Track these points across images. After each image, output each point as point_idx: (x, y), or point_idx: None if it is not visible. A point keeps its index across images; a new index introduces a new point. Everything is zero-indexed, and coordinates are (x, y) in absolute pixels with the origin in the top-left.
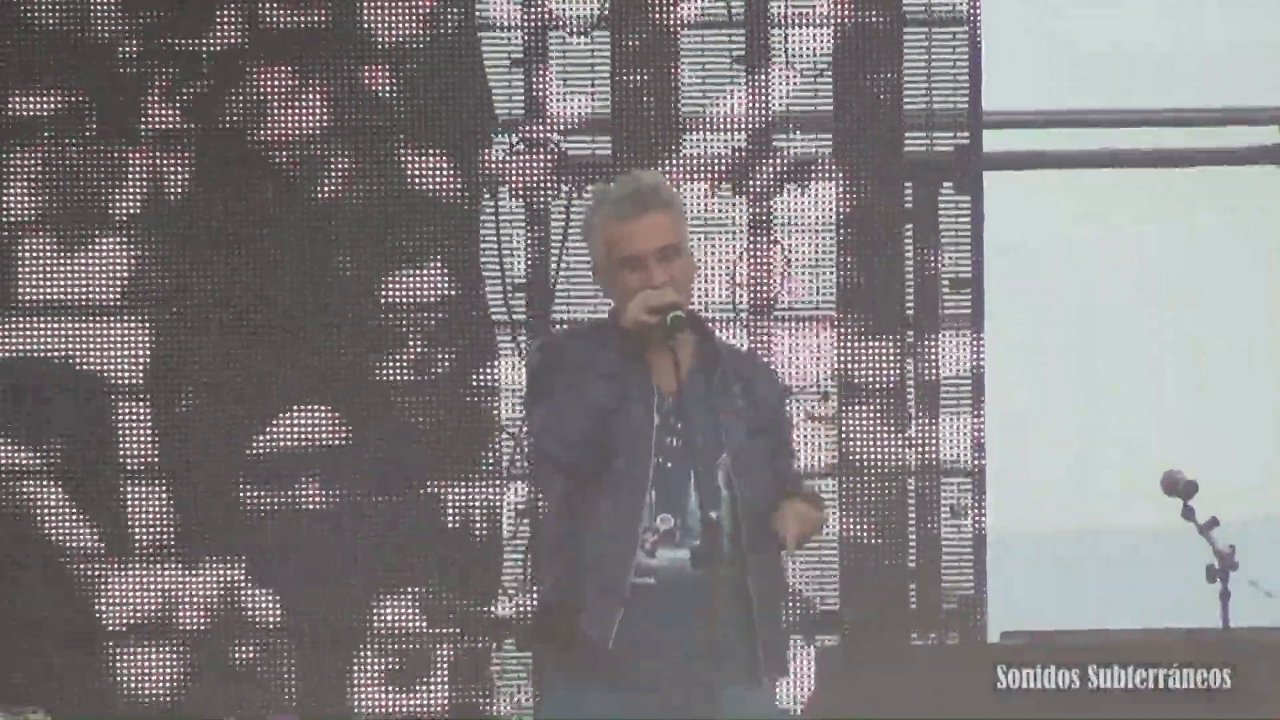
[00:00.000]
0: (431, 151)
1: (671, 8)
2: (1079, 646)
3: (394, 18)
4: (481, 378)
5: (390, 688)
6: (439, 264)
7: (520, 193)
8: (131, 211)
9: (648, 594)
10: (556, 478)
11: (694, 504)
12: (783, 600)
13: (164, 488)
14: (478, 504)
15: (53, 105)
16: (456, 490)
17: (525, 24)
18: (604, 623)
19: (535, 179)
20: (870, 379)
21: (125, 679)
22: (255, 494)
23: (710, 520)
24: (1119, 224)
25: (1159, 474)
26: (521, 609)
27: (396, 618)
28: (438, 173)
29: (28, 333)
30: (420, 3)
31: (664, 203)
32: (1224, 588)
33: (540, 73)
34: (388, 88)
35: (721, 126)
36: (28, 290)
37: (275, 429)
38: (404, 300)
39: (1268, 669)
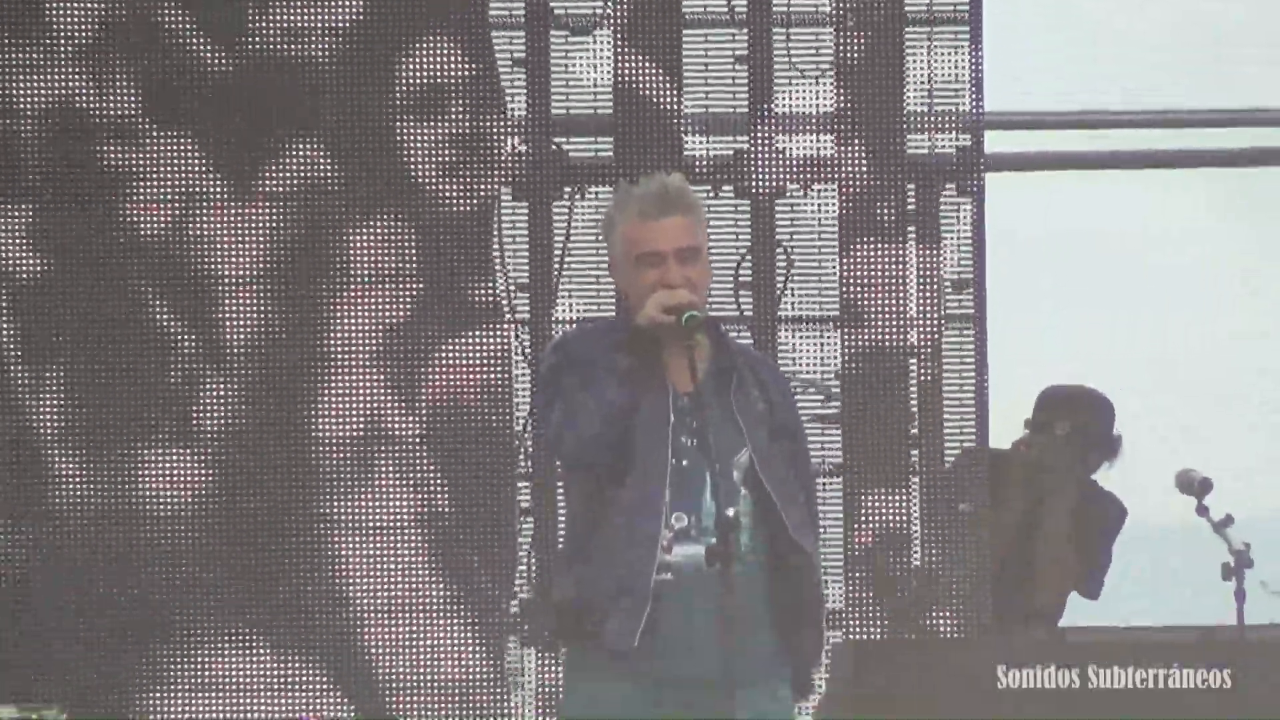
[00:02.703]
0: (441, 152)
1: (674, 7)
2: (1090, 643)
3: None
4: (490, 376)
5: (405, 687)
6: (448, 263)
7: (523, 193)
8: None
9: (666, 590)
10: (576, 477)
11: (710, 501)
12: (814, 605)
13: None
14: (487, 503)
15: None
16: (467, 489)
17: (527, 24)
18: (629, 622)
19: (538, 179)
20: (873, 380)
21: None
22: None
23: (725, 517)
24: (1122, 224)
25: (1173, 472)
26: (529, 606)
27: (410, 616)
28: (447, 172)
29: None
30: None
31: (688, 205)
32: (1239, 586)
33: (542, 73)
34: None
35: (724, 127)
36: None
37: (286, 430)
38: (412, 300)
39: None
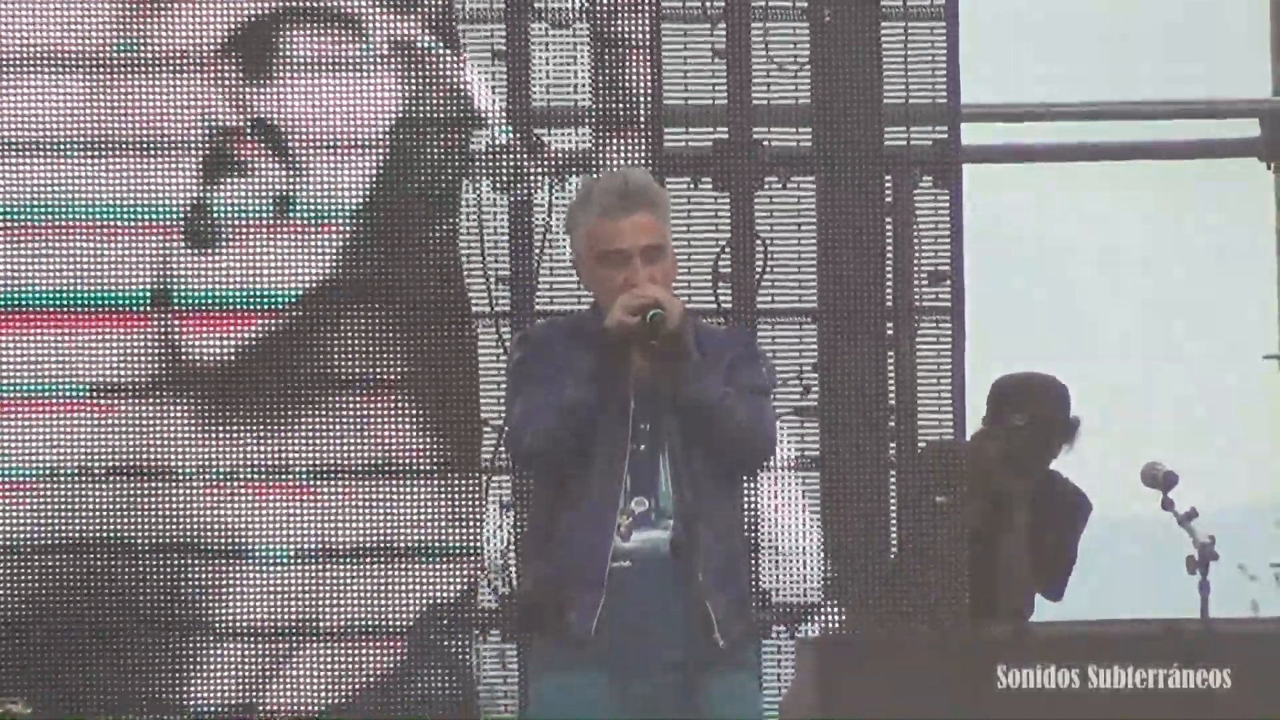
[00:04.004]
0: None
1: (652, 2)
2: (1058, 637)
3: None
4: (463, 368)
5: (373, 682)
6: (419, 255)
7: (503, 185)
8: None
9: (625, 577)
10: (539, 471)
11: (665, 485)
12: (736, 567)
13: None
14: (461, 497)
15: None
16: (439, 483)
17: (506, 17)
18: (588, 610)
19: (518, 172)
20: (851, 372)
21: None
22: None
23: (689, 507)
24: (1097, 215)
25: (1138, 465)
26: (506, 601)
27: (377, 611)
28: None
29: None
30: None
31: (652, 202)
32: (1204, 579)
33: (522, 65)
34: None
35: (702, 120)
36: None
37: (257, 422)
38: (387, 291)
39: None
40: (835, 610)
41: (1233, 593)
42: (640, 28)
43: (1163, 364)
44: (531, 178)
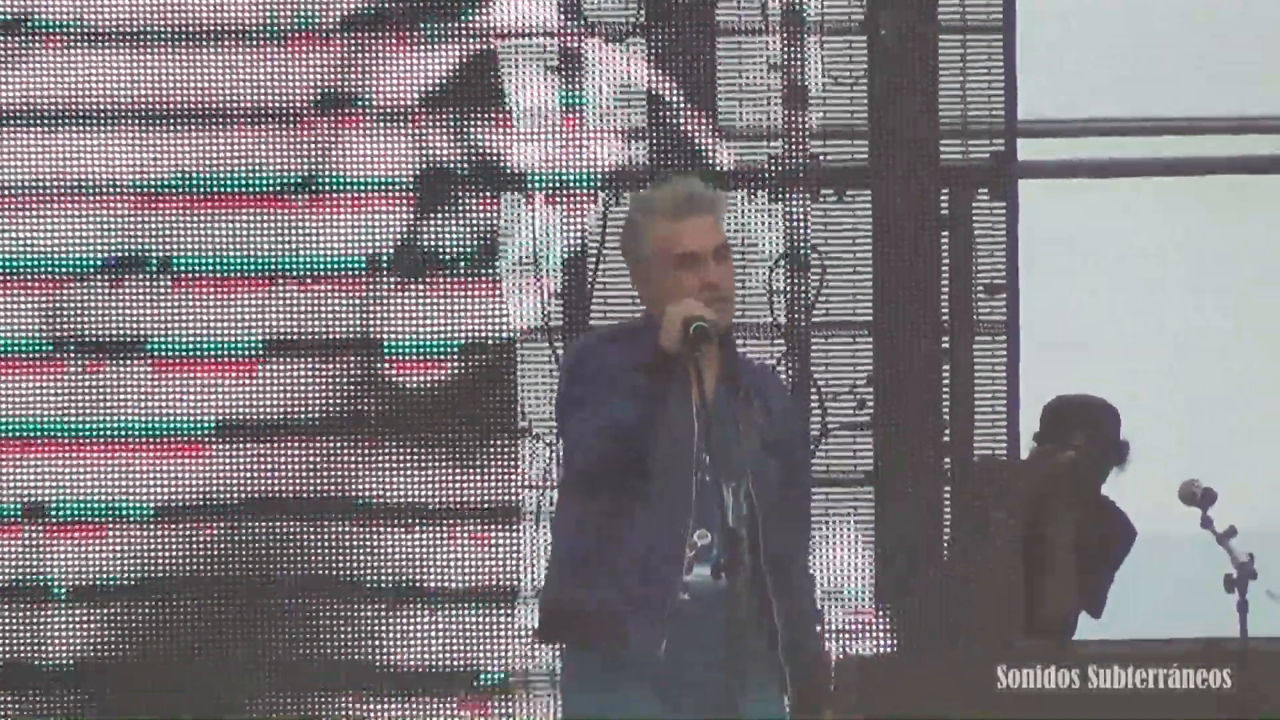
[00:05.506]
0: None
1: (707, 16)
2: (1095, 655)
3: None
4: (503, 377)
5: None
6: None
7: (557, 200)
8: None
9: (683, 609)
10: (592, 485)
11: (729, 518)
12: (808, 615)
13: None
14: (499, 505)
15: None
16: (479, 489)
17: (561, 32)
18: (650, 642)
19: (572, 186)
20: (906, 385)
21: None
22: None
23: (731, 530)
24: (1148, 232)
25: (1177, 483)
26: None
27: (417, 611)
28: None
29: None
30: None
31: (714, 203)
32: (1242, 598)
33: (576, 80)
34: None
35: (758, 133)
36: None
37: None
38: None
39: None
40: (886, 627)
41: (1273, 611)
42: (695, 42)
43: (1201, 380)
44: (585, 193)
